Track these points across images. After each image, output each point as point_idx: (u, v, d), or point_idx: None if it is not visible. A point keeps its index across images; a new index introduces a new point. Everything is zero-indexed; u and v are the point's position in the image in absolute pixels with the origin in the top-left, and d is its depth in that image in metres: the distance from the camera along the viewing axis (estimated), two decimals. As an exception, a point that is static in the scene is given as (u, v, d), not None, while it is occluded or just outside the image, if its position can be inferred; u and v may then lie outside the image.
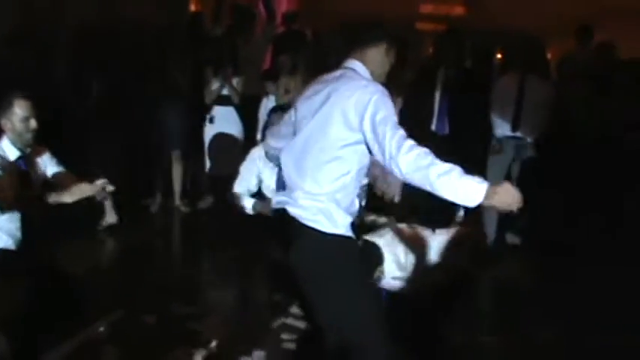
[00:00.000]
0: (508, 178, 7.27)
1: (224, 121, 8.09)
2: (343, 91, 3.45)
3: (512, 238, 7.66)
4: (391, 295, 4.82)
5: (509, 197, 3.17)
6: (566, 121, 7.90)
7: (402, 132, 3.29)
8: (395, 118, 3.34)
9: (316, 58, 8.26)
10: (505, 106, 7.39)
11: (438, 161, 3.20)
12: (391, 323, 3.47)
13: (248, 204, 5.50)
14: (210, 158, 8.18)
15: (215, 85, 8.03)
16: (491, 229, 7.36)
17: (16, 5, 8.13)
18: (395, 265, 4.69)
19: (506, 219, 7.32)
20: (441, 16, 18.41)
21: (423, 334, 4.81)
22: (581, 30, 9.07)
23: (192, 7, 11.95)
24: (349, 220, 3.53)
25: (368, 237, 4.74)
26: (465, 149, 7.27)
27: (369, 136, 3.34)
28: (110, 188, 4.49)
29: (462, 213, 7.87)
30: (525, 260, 7.41)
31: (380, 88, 3.45)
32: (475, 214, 7.75)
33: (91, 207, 4.89)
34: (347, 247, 3.53)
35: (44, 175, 4.82)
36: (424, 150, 3.23)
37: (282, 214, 3.58)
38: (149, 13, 10.38)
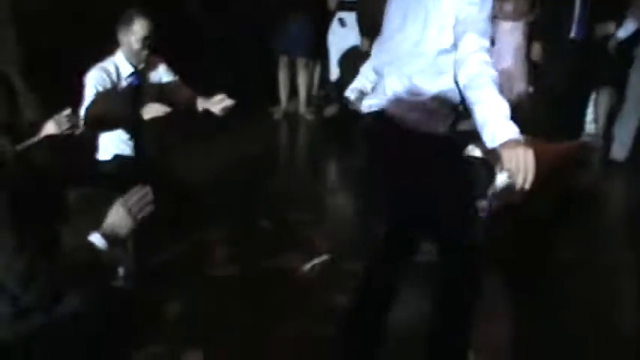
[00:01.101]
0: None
1: (351, 26, 7.90)
2: None
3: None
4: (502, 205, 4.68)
5: (522, 164, 2.81)
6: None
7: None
8: None
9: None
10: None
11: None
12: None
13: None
14: (339, 65, 8.06)
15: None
16: (624, 142, 6.99)
17: None
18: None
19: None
20: None
21: (534, 247, 4.65)
22: None
23: None
24: None
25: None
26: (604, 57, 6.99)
27: None
28: (228, 103, 4.49)
29: (592, 127, 7.58)
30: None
31: None
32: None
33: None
34: None
35: (159, 86, 4.85)
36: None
37: None
38: None
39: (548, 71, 7.08)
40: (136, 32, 4.52)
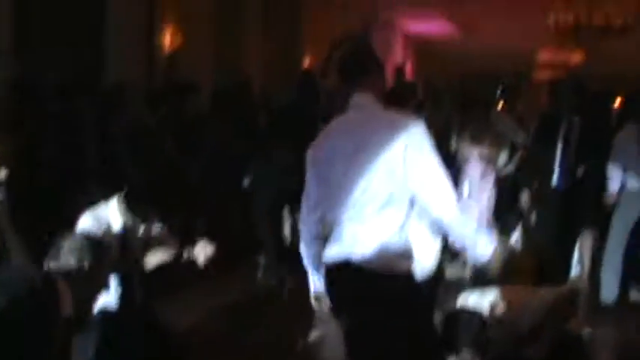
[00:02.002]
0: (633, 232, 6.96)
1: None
2: None
3: (637, 295, 7.24)
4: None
5: None
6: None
7: None
8: None
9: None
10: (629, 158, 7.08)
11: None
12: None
13: None
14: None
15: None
16: (612, 286, 7.04)
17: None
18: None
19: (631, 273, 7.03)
20: (559, 64, 18.16)
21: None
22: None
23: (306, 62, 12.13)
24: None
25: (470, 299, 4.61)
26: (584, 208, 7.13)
27: None
28: (209, 251, 4.51)
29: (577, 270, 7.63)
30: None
31: None
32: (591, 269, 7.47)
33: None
34: None
35: (148, 235, 4.87)
36: None
37: None
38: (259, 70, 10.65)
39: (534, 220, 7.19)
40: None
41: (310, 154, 3.62)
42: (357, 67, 3.58)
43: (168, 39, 8.91)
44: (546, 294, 4.67)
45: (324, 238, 3.63)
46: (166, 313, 5.22)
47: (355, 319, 3.46)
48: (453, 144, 8.13)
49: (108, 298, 4.62)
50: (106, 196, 4.71)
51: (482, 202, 7.82)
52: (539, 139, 7.39)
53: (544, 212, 7.05)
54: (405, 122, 3.37)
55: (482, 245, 3.45)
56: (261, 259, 8.22)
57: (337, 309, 3.67)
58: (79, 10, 7.60)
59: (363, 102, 3.51)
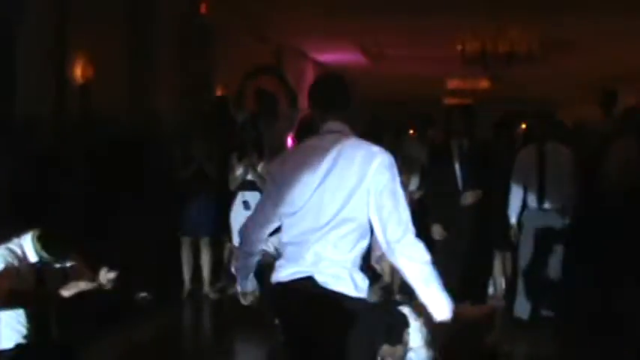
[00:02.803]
0: (538, 249, 7.19)
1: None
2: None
3: (546, 312, 7.46)
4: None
5: None
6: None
7: None
8: None
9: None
10: (528, 177, 7.35)
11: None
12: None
13: None
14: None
15: (239, 170, 8.02)
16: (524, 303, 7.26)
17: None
18: (419, 334, 4.61)
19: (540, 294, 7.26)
20: (467, 91, 18.60)
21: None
22: (606, 96, 8.97)
23: (218, 92, 12.14)
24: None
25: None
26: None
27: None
28: (111, 276, 4.50)
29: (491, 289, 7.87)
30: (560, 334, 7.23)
31: None
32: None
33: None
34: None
35: (63, 268, 4.81)
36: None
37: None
38: (173, 102, 10.62)
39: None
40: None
41: (275, 171, 3.72)
42: (338, 97, 3.67)
43: (79, 71, 8.81)
44: (466, 311, 4.74)
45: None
46: (85, 350, 5.19)
47: (307, 335, 3.53)
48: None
49: (18, 335, 4.56)
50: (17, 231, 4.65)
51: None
52: (435, 164, 7.55)
53: (457, 232, 7.21)
54: (375, 152, 3.48)
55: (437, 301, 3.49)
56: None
57: (288, 323, 3.69)
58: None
59: (337, 128, 3.58)
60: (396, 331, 4.52)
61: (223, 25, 11.90)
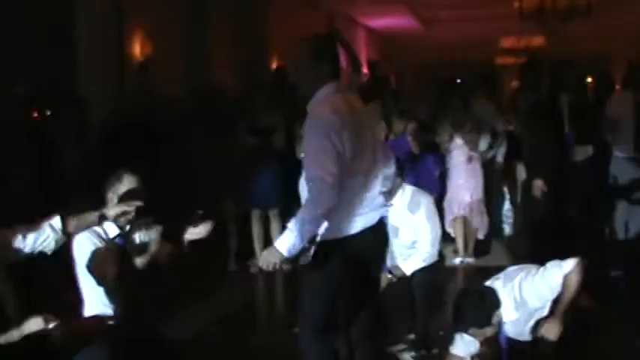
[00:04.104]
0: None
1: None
2: None
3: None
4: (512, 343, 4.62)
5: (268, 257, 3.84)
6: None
7: None
8: None
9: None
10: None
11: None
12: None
13: None
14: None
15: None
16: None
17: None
18: (513, 304, 4.48)
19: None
20: (521, 49, 18.28)
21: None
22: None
23: (274, 63, 12.08)
24: None
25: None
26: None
27: None
28: (208, 226, 4.46)
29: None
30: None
31: None
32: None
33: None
34: None
35: (143, 244, 4.77)
36: None
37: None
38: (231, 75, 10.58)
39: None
40: (123, 188, 4.45)
41: (339, 120, 3.81)
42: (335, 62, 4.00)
43: (138, 48, 8.81)
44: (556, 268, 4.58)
45: None
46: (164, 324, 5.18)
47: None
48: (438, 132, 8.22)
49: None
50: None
51: (471, 184, 7.96)
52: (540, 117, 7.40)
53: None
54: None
55: None
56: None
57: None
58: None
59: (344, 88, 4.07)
60: (485, 313, 4.43)
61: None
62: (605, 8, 12.60)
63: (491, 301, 4.44)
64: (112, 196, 4.51)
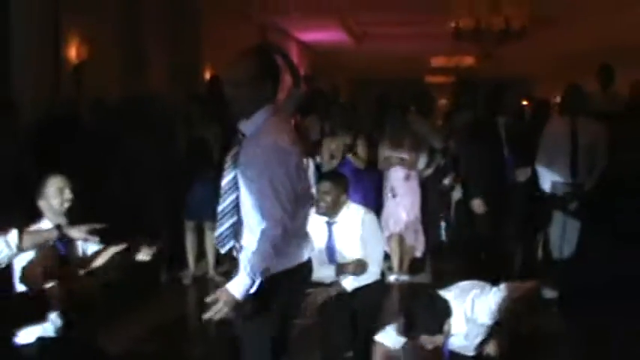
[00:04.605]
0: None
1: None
2: None
3: (549, 293, 7.34)
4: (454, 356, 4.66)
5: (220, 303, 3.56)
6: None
7: None
8: None
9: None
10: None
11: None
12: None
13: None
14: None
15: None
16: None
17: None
18: (463, 317, 4.52)
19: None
20: (452, 69, 18.56)
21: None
22: (602, 70, 8.91)
23: (207, 72, 11.99)
24: None
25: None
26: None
27: None
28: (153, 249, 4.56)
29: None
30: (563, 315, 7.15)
31: None
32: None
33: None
34: None
35: (85, 255, 4.70)
36: None
37: None
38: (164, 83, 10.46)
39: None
40: (49, 189, 4.49)
41: (294, 150, 3.69)
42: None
43: (73, 52, 8.64)
44: (508, 290, 4.63)
45: None
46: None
47: None
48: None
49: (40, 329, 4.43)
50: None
51: (408, 201, 8.00)
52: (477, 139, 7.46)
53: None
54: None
55: None
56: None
57: None
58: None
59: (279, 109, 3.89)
60: (437, 320, 4.46)
61: (209, 4, 11.76)
62: (536, 32, 12.85)
63: (444, 309, 4.50)
64: (43, 203, 4.51)
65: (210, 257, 8.28)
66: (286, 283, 3.75)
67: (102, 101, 8.29)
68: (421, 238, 8.24)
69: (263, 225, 3.56)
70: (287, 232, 3.59)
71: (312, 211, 5.06)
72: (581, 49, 16.03)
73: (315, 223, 5.16)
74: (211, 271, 8.31)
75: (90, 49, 8.82)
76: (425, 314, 4.44)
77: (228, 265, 8.43)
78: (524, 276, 6.81)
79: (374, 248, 5.36)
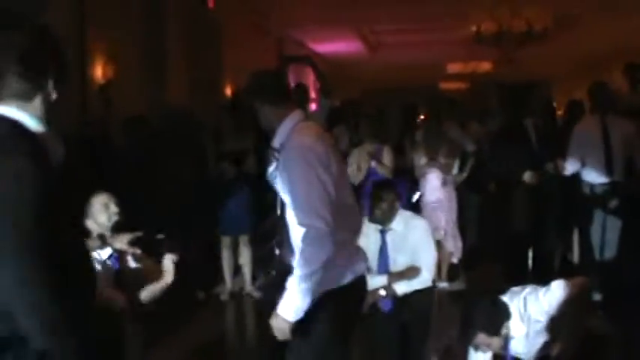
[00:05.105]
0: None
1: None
2: None
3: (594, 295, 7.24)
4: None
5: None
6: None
7: None
8: None
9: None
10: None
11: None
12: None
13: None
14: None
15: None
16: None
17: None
18: (518, 316, 4.50)
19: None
20: (468, 74, 18.50)
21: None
22: (629, 68, 8.85)
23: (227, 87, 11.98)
24: None
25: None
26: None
27: None
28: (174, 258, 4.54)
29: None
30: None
31: None
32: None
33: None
34: None
35: (137, 270, 4.69)
36: None
37: None
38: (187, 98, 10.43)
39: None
40: (95, 207, 4.55)
41: (325, 151, 3.55)
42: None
43: (99, 71, 8.60)
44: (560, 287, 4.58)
45: None
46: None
47: None
48: (410, 156, 8.20)
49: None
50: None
51: (446, 207, 7.95)
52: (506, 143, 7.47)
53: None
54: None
55: None
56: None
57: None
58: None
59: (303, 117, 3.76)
60: (496, 320, 4.44)
61: (229, 19, 11.76)
62: (554, 33, 12.78)
63: (503, 311, 4.52)
64: (90, 222, 4.55)
65: (247, 272, 8.20)
66: (342, 300, 3.59)
67: (140, 119, 8.22)
68: (459, 244, 8.17)
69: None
70: (330, 250, 3.43)
71: (365, 221, 5.03)
72: (599, 50, 15.97)
73: (368, 233, 5.12)
74: (248, 287, 8.23)
75: (116, 67, 8.78)
76: (483, 314, 4.44)
77: (263, 279, 8.42)
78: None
79: (426, 253, 5.31)
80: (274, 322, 3.50)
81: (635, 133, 7.15)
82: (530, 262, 7.79)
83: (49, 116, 2.45)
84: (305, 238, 3.42)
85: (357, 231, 3.82)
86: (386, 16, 13.51)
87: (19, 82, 2.39)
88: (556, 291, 4.56)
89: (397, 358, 5.43)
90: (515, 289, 4.76)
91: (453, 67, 18.71)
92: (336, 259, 3.48)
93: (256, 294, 8.16)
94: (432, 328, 5.63)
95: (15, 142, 2.30)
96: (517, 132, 7.46)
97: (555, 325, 4.56)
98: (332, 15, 13.10)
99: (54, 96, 2.47)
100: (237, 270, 8.36)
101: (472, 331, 4.50)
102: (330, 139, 3.84)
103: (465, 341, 4.64)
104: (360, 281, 3.75)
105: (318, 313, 3.52)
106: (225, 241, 8.12)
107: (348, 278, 3.62)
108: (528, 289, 4.64)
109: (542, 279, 7.07)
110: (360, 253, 3.80)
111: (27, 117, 2.38)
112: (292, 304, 3.43)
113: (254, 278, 8.29)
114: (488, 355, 4.62)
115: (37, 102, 2.43)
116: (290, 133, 3.61)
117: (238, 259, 8.27)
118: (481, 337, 4.47)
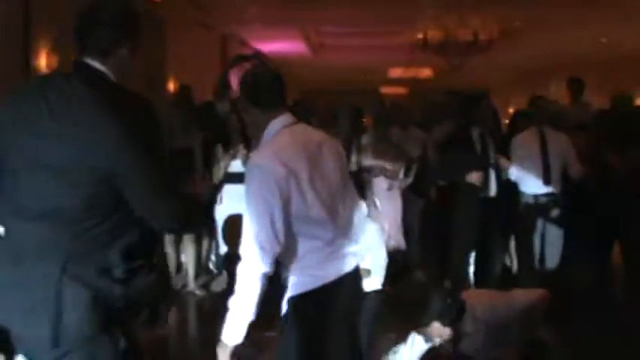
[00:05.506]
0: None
1: (236, 199, 7.77)
2: None
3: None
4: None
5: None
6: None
7: None
8: None
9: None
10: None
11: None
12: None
13: None
14: (224, 239, 7.85)
15: (225, 162, 7.71)
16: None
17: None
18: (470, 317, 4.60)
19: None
20: (408, 80, 18.65)
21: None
22: (572, 82, 9.12)
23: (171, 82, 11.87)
24: None
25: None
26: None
27: None
28: None
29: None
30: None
31: None
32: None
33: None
34: None
35: None
36: None
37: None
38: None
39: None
40: None
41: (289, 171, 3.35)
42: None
43: (43, 60, 8.44)
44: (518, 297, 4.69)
45: None
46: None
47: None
48: (353, 159, 8.20)
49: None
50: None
51: (392, 212, 7.97)
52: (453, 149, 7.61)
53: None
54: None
55: None
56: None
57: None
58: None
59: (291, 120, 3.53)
60: (451, 313, 4.52)
61: (173, 15, 11.65)
62: (496, 45, 12.97)
63: (460, 306, 4.69)
64: None
65: (190, 270, 8.14)
66: (327, 299, 3.49)
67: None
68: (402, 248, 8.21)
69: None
70: (262, 277, 3.32)
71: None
72: (537, 61, 16.30)
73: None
74: (191, 285, 8.17)
75: (59, 58, 8.62)
76: (441, 304, 4.53)
77: (206, 277, 8.38)
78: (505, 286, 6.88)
79: (376, 256, 5.32)
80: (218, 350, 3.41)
81: (569, 147, 7.35)
82: (471, 267, 7.88)
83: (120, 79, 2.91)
84: (239, 267, 3.35)
85: (333, 239, 3.54)
86: (332, 18, 13.53)
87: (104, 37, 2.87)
88: (517, 298, 4.66)
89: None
90: (471, 291, 4.87)
91: (395, 72, 18.86)
92: (306, 266, 3.45)
93: (199, 292, 8.11)
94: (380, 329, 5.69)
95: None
96: (463, 139, 7.56)
97: (510, 330, 4.66)
98: (276, 14, 13.07)
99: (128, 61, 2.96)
100: (179, 267, 8.31)
101: (427, 319, 4.57)
102: (319, 142, 3.60)
103: (416, 328, 4.70)
104: (336, 285, 3.51)
105: (288, 317, 3.49)
106: (169, 237, 8.04)
107: (317, 283, 3.47)
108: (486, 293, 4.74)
109: (482, 285, 7.28)
110: (343, 257, 3.57)
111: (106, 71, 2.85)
112: (231, 327, 3.37)
113: (197, 276, 8.24)
114: (417, 350, 4.66)
115: (113, 60, 2.89)
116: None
117: (181, 257, 8.20)
118: (435, 327, 4.54)
